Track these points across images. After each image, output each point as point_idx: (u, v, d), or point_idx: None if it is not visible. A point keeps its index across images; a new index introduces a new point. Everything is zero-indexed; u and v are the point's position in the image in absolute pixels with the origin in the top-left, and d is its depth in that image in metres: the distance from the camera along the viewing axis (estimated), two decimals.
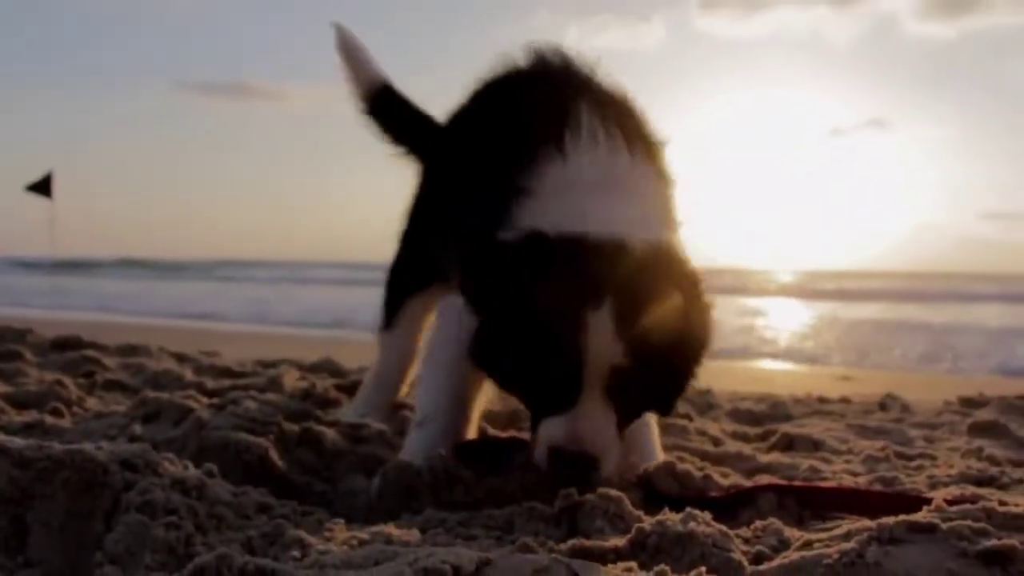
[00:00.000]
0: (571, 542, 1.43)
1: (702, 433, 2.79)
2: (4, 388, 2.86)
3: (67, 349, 3.97)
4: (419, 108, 2.75)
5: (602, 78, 2.17)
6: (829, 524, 1.68)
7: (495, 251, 1.88)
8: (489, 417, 2.38)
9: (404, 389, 2.73)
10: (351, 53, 2.77)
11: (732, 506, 1.82)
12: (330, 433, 2.25)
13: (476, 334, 1.90)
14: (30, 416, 2.40)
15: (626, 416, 1.85)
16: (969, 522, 1.32)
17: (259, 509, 1.62)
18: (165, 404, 2.39)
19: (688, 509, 1.48)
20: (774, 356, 8.69)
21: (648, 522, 1.45)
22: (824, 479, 2.18)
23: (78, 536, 1.43)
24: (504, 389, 2.00)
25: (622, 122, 2.01)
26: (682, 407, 2.98)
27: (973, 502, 1.42)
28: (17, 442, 1.50)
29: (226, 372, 3.73)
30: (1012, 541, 1.25)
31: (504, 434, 2.23)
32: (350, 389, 3.20)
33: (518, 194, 1.92)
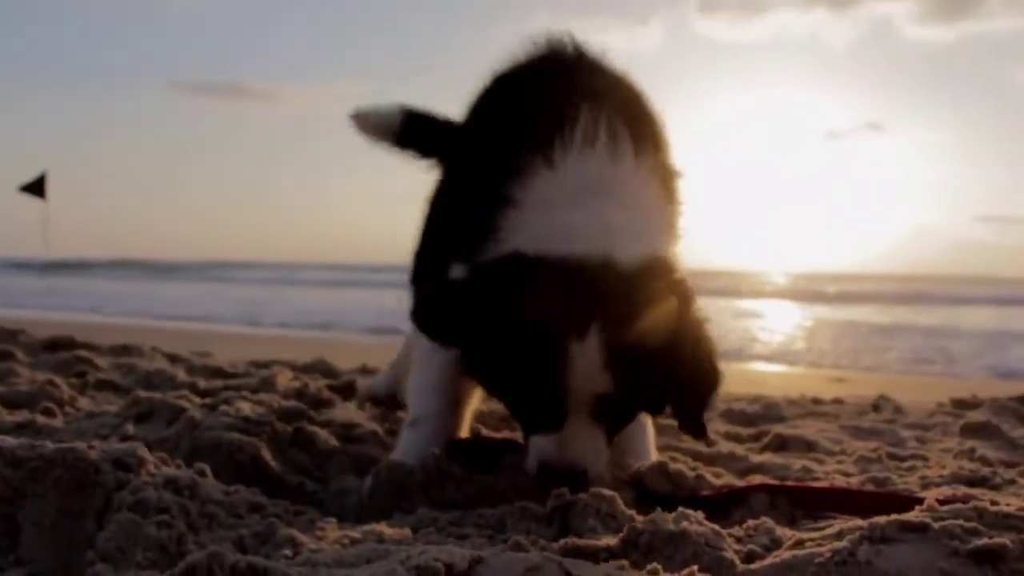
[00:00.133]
0: (563, 541, 1.42)
1: None
2: None
3: (59, 349, 3.97)
4: (437, 116, 2.66)
5: (614, 73, 2.05)
6: (821, 523, 1.68)
7: (447, 292, 1.81)
8: (482, 416, 2.37)
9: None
10: (370, 130, 2.71)
11: (724, 505, 1.82)
12: (322, 433, 2.25)
13: (460, 356, 1.84)
14: (22, 416, 2.39)
15: (615, 428, 1.84)
16: (960, 521, 1.33)
17: (251, 508, 1.61)
18: (158, 404, 2.39)
19: (680, 508, 1.48)
20: (768, 358, 8.70)
21: (640, 521, 1.45)
22: (817, 479, 2.18)
23: (70, 535, 1.42)
24: (493, 397, 1.98)
25: (630, 122, 1.88)
26: None
27: (965, 502, 1.42)
28: (9, 441, 1.50)
29: (219, 372, 3.72)
30: (1003, 540, 1.25)
31: (497, 434, 2.23)
32: (342, 389, 3.20)
33: (504, 205, 1.80)
